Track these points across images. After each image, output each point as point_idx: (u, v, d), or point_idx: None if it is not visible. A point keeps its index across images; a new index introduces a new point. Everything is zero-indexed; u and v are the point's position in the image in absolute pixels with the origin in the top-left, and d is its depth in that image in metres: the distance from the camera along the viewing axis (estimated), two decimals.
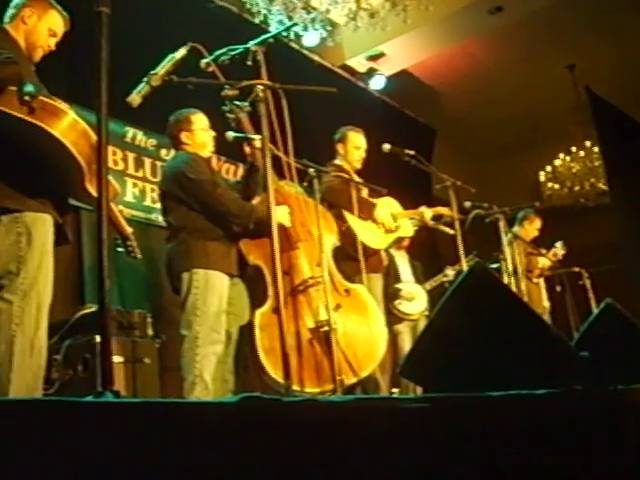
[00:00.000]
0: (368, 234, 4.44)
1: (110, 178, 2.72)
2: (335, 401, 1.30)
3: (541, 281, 6.45)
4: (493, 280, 2.44)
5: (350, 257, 4.20)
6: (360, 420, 1.34)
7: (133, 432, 1.07)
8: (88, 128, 2.56)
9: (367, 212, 4.48)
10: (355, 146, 4.72)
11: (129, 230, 3.10)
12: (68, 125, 2.52)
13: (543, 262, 6.40)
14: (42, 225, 2.64)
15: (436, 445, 1.50)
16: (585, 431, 2.16)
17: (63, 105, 2.58)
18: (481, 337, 2.29)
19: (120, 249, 3.13)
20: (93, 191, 2.68)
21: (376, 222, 4.55)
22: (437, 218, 4.95)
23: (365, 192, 4.66)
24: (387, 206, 4.71)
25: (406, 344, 5.11)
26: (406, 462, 1.42)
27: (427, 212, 4.90)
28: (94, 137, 2.52)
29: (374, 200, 4.58)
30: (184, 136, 3.80)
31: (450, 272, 5.65)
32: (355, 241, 4.27)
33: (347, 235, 4.25)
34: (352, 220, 4.37)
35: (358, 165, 4.73)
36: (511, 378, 2.12)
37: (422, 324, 5.32)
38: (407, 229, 4.81)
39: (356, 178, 4.73)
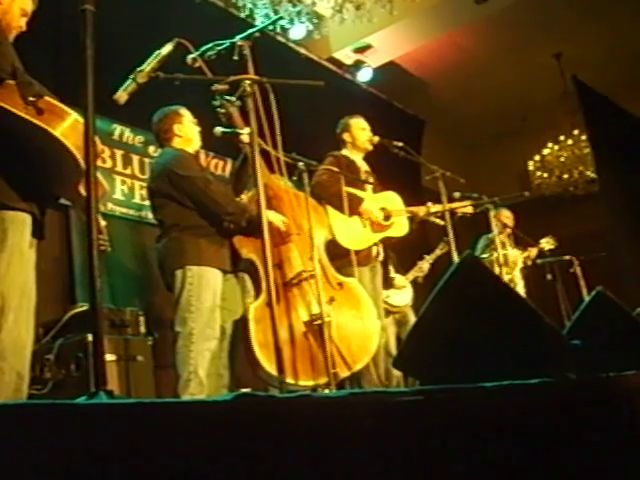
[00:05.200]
0: (348, 232, 4.37)
1: (100, 177, 2.71)
2: (329, 396, 1.29)
3: (517, 273, 6.41)
4: (483, 270, 2.44)
5: (337, 252, 4.20)
6: (355, 415, 1.34)
7: (127, 434, 1.06)
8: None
9: (354, 207, 4.42)
10: (361, 127, 4.78)
11: (102, 223, 3.06)
12: (70, 126, 2.47)
13: (529, 252, 6.42)
14: (20, 225, 2.56)
15: (431, 437, 1.50)
16: (579, 419, 2.17)
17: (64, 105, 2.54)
18: (473, 328, 2.30)
19: None
20: (84, 192, 2.66)
21: (362, 218, 4.49)
22: (438, 215, 4.83)
23: (370, 188, 4.64)
24: (386, 201, 4.66)
25: (391, 338, 5.10)
26: (401, 455, 1.43)
27: (433, 208, 4.78)
28: (96, 140, 2.52)
29: (364, 195, 4.55)
30: (177, 128, 3.80)
31: (425, 266, 5.69)
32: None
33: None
34: (333, 217, 4.32)
35: (369, 146, 4.75)
36: (505, 368, 2.13)
37: (410, 315, 5.34)
38: (399, 229, 4.67)
39: (364, 166, 4.73)
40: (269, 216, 3.40)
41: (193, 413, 1.07)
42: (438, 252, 5.61)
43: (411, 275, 5.58)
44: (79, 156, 2.46)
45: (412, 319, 5.28)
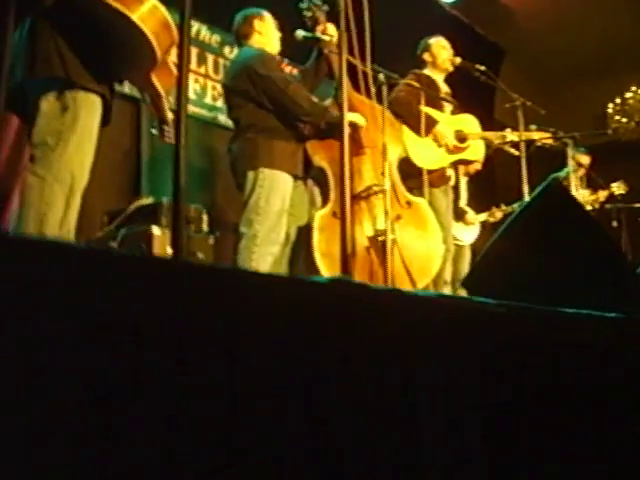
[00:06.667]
0: (422, 151, 4.30)
1: (171, 65, 2.69)
2: (418, 294, 1.26)
3: None
4: (569, 198, 2.36)
5: (411, 171, 4.14)
6: (441, 316, 1.31)
7: (219, 297, 1.04)
8: (168, 16, 2.50)
9: (428, 128, 4.34)
10: (442, 46, 4.69)
11: (170, 116, 3.01)
12: (148, 11, 2.44)
13: (599, 194, 6.28)
14: (91, 106, 2.55)
15: (510, 351, 1.47)
16: None
17: None
18: (552, 256, 2.23)
19: (154, 131, 3.07)
20: (156, 82, 2.65)
21: (437, 139, 4.42)
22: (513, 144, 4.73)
23: (449, 108, 4.56)
24: (463, 124, 4.57)
25: (447, 266, 5.05)
26: (479, 363, 1.40)
27: (510, 136, 4.68)
28: (172, 26, 2.48)
29: (440, 117, 4.45)
30: (257, 25, 3.74)
31: (498, 214, 5.61)
32: None
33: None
34: (407, 135, 4.25)
35: (450, 66, 4.66)
36: (578, 301, 2.07)
37: (467, 254, 5.24)
38: (475, 152, 4.59)
39: (445, 87, 4.64)
40: (350, 116, 3.32)
41: (287, 287, 1.05)
42: (515, 207, 5.47)
43: (482, 217, 5.50)
44: (155, 42, 2.45)
45: (467, 257, 5.20)
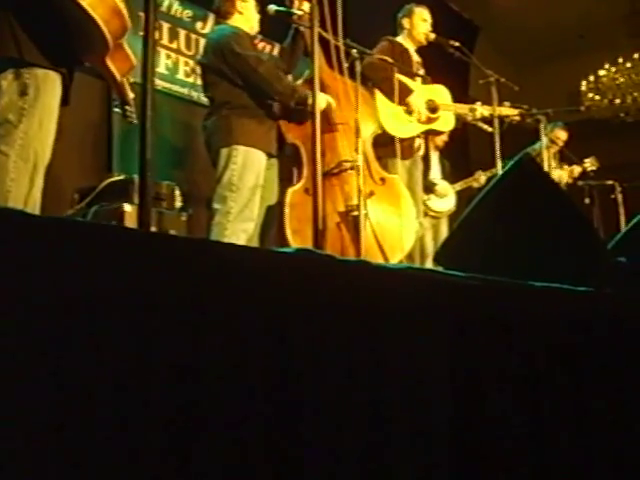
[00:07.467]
0: (394, 119, 4.27)
1: (128, 51, 2.68)
2: (387, 267, 1.25)
3: None
4: (541, 172, 2.37)
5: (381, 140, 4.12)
6: (409, 287, 1.30)
7: (189, 273, 1.03)
8: (119, 2, 2.50)
9: (402, 96, 4.31)
10: (422, 18, 4.64)
11: (131, 95, 3.00)
12: None
13: (572, 168, 6.32)
14: (51, 84, 2.55)
15: (478, 323, 1.47)
16: (620, 333, 2.13)
17: None
18: (523, 228, 2.24)
19: (117, 110, 3.05)
20: (112, 66, 2.65)
21: (409, 109, 4.39)
22: (486, 121, 4.72)
23: (419, 80, 4.53)
24: (435, 94, 4.54)
25: (427, 240, 5.08)
26: (448, 335, 1.39)
27: (480, 109, 4.64)
28: (124, 12, 2.50)
29: (413, 86, 4.42)
30: (239, 5, 3.71)
31: (482, 178, 5.62)
32: None
33: None
34: (380, 101, 4.22)
35: (424, 40, 4.61)
36: (548, 274, 2.08)
37: (443, 225, 5.29)
38: (445, 123, 4.57)
39: (416, 57, 4.61)
40: (320, 100, 3.31)
41: (255, 258, 1.04)
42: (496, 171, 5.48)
43: (459, 185, 5.51)
44: (105, 29, 2.46)
45: (444, 229, 5.25)
